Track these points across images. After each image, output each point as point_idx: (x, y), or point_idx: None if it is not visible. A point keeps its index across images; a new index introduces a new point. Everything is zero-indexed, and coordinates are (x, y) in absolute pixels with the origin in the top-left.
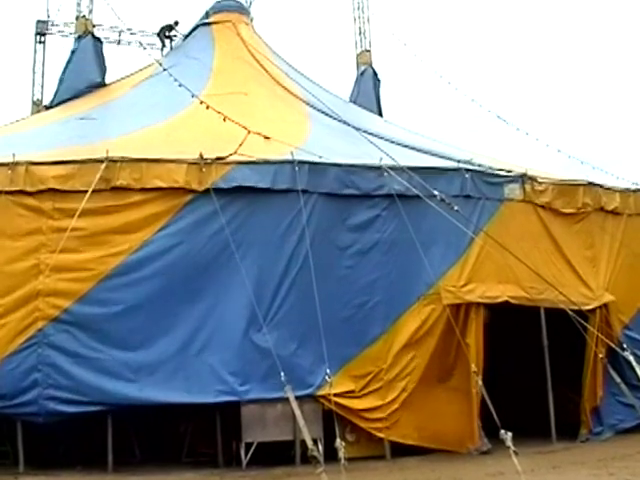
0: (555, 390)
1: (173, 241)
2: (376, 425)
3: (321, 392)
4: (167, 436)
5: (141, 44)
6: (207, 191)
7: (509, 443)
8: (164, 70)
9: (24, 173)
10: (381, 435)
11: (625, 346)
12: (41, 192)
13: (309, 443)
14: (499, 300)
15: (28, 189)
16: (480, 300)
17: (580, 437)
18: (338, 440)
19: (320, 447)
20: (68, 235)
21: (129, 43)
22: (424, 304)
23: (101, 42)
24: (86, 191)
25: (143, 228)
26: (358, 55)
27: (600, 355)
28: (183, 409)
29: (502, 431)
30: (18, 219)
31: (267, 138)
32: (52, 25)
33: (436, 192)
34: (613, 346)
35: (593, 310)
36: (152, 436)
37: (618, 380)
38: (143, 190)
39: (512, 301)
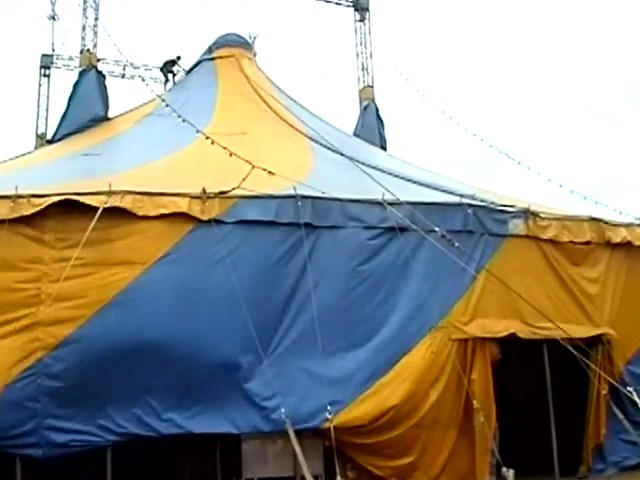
0: (559, 427)
1: (173, 270)
2: (375, 462)
3: (323, 427)
4: (166, 471)
5: (143, 79)
6: (209, 221)
7: None
8: (167, 106)
9: (26, 204)
10: (380, 473)
11: (628, 382)
12: (42, 221)
13: None
14: (503, 334)
15: (29, 219)
16: (485, 335)
17: (579, 474)
18: (338, 477)
19: None
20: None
21: (133, 77)
22: (430, 340)
23: (104, 76)
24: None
25: (144, 258)
26: (361, 90)
27: (603, 392)
28: (183, 443)
29: (504, 469)
30: (19, 248)
31: (271, 173)
32: (57, 59)
33: (437, 228)
34: (614, 383)
35: (596, 346)
36: (151, 471)
37: (621, 417)
38: (144, 219)
39: (519, 335)
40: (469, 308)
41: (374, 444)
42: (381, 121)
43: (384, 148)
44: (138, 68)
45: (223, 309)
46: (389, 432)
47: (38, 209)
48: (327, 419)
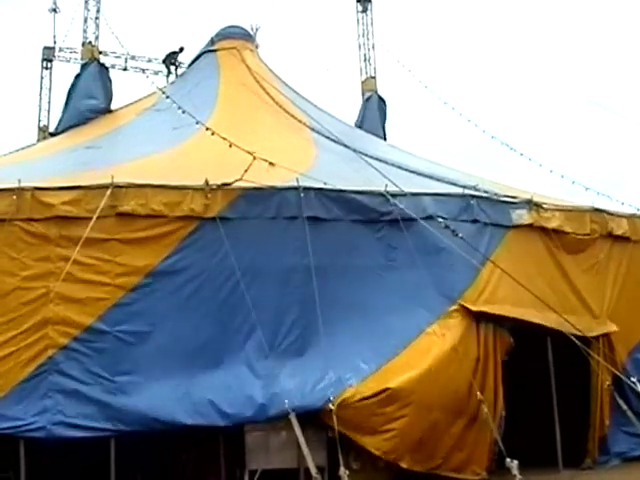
0: (562, 418)
1: (179, 268)
2: (382, 447)
3: (327, 407)
4: (170, 464)
5: (144, 72)
6: (212, 218)
7: (515, 471)
8: (167, 98)
9: (30, 199)
10: (385, 457)
11: (631, 373)
12: (47, 219)
13: (313, 471)
14: (510, 323)
15: (35, 216)
16: (506, 313)
17: (583, 465)
18: (342, 468)
19: (325, 475)
20: (75, 263)
21: (135, 69)
22: (435, 330)
23: (107, 69)
24: (91, 218)
25: (150, 256)
26: (363, 82)
27: (607, 383)
28: (187, 436)
29: (508, 459)
30: (26, 247)
31: (272, 164)
32: (59, 51)
33: (440, 219)
34: (617, 373)
35: (598, 337)
36: (155, 464)
37: (625, 408)
38: (149, 217)
39: (534, 319)
40: (480, 296)
41: (373, 429)
42: (384, 113)
43: (385, 139)
44: (140, 60)
45: (229, 304)
46: (391, 411)
47: (47, 215)
48: (330, 401)
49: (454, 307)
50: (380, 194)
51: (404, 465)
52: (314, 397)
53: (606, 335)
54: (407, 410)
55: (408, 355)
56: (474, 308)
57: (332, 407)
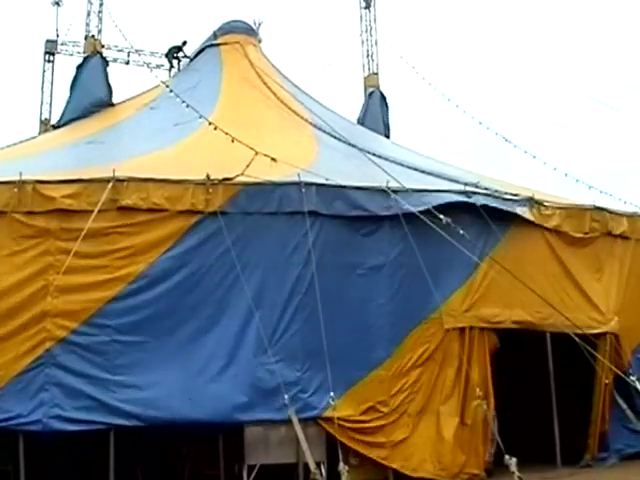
0: (561, 416)
1: (179, 263)
2: (377, 451)
3: (325, 415)
4: (169, 458)
5: (148, 65)
6: (214, 212)
7: (514, 468)
8: (170, 92)
9: (31, 192)
10: (383, 462)
11: (633, 371)
12: (48, 212)
13: (312, 466)
14: (503, 325)
15: (36, 209)
16: (482, 325)
17: (582, 462)
18: (341, 464)
19: (323, 470)
20: (75, 256)
21: (137, 64)
22: (426, 328)
23: (107, 62)
24: (92, 211)
25: (150, 249)
26: (366, 78)
27: (606, 381)
28: (186, 430)
29: (507, 456)
30: (26, 240)
31: (274, 160)
32: (61, 45)
33: (442, 216)
34: (619, 373)
35: (601, 335)
36: (154, 458)
37: (624, 406)
38: (150, 210)
39: (516, 326)
40: (470, 297)
41: (369, 433)
42: (387, 106)
43: (387, 136)
44: (143, 54)
45: (229, 299)
46: (382, 422)
47: (48, 208)
48: (330, 405)
49: (437, 311)
50: (381, 190)
51: (405, 471)
52: (312, 400)
53: (611, 332)
54: (395, 417)
55: (395, 360)
56: (446, 326)
57: (333, 406)
